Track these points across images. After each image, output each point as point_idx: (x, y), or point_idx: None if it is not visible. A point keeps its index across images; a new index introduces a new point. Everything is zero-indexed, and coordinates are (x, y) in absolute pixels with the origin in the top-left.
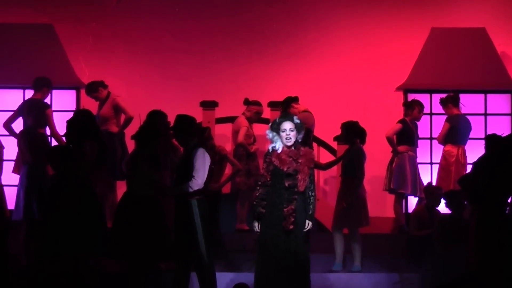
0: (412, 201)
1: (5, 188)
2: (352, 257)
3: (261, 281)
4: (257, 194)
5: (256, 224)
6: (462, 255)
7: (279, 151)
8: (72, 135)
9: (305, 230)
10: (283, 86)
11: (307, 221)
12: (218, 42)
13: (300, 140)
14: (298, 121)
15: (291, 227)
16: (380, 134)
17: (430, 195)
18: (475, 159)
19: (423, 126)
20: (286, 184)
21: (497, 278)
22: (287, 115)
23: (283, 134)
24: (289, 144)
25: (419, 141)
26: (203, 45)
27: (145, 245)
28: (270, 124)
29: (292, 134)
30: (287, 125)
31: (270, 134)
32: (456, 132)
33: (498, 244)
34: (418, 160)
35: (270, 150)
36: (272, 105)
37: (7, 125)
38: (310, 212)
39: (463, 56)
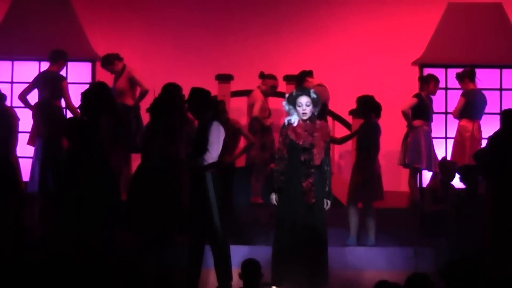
0: (427, 176)
1: (20, 160)
2: (367, 231)
3: (278, 255)
4: (276, 168)
5: (273, 197)
6: (476, 230)
7: (295, 124)
8: (87, 108)
9: (326, 208)
10: (298, 60)
11: (325, 200)
12: (233, 15)
13: (316, 114)
14: (315, 95)
15: (313, 200)
16: (395, 108)
17: (444, 170)
18: (490, 134)
19: (438, 101)
20: (302, 159)
21: (511, 253)
22: (304, 89)
23: (299, 109)
24: (304, 118)
25: (434, 116)
26: (219, 19)
27: (159, 218)
28: (286, 96)
29: (308, 109)
30: (303, 100)
31: (286, 107)
32: (471, 107)
33: None
34: (433, 135)
35: (286, 124)
36: (287, 78)
37: (23, 97)
38: (327, 189)
39: (479, 31)
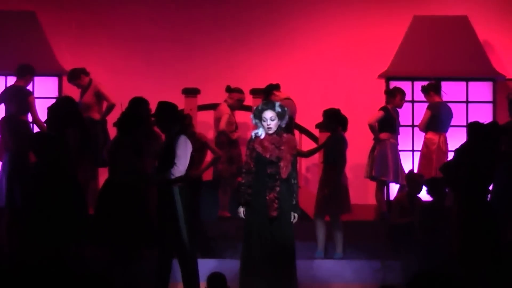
0: (394, 189)
1: None
2: (334, 244)
3: (246, 268)
4: (243, 181)
5: (241, 210)
6: (444, 242)
7: (262, 137)
8: (54, 122)
9: (293, 222)
10: (265, 73)
11: (292, 214)
12: (200, 29)
13: (283, 126)
14: (279, 109)
15: (275, 213)
16: (362, 121)
17: (411, 182)
18: (457, 147)
19: (404, 114)
20: (268, 172)
21: (479, 265)
22: (268, 103)
23: (264, 124)
24: (270, 132)
25: (401, 129)
26: (186, 33)
27: (127, 232)
28: (253, 110)
29: (273, 124)
30: (268, 114)
31: (253, 120)
32: (437, 120)
33: (479, 231)
34: (400, 148)
35: (253, 137)
36: (254, 92)
37: None
38: (294, 202)
39: (445, 44)
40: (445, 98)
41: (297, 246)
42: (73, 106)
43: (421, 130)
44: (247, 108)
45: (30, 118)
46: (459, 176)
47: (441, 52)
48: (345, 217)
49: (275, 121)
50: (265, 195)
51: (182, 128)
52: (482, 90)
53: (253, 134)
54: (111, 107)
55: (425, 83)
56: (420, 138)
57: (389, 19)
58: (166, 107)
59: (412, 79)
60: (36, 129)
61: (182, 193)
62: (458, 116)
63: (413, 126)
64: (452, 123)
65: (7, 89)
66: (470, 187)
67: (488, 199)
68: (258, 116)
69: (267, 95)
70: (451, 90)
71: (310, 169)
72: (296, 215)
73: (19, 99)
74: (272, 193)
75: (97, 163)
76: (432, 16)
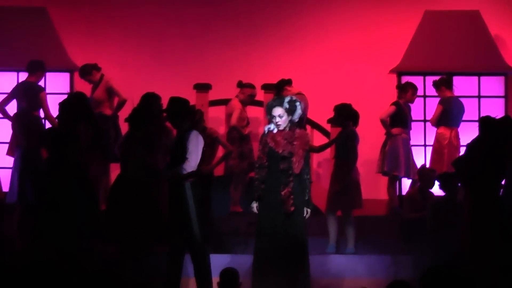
0: (406, 184)
1: None
2: (346, 239)
3: (259, 263)
4: (256, 176)
5: (254, 205)
6: (455, 237)
7: (275, 132)
8: (65, 118)
9: (306, 217)
10: (276, 68)
11: (305, 209)
12: (211, 25)
13: (296, 120)
14: (288, 105)
15: (292, 209)
16: (373, 116)
17: (423, 177)
18: (469, 142)
19: (416, 109)
20: (281, 167)
21: (490, 260)
22: (277, 100)
23: (273, 120)
24: (280, 129)
25: (413, 124)
26: (197, 29)
27: (138, 227)
28: (264, 105)
29: (282, 120)
30: (276, 111)
31: (267, 116)
32: (449, 115)
33: (491, 226)
34: (412, 143)
35: (266, 131)
36: (266, 87)
37: (1, 107)
38: (307, 198)
39: (457, 39)
40: (456, 92)
41: (309, 241)
42: (84, 102)
43: (432, 125)
44: (259, 104)
45: (42, 114)
46: (471, 171)
47: (453, 47)
48: (357, 212)
49: (284, 118)
50: (278, 190)
51: (194, 123)
52: (494, 84)
53: (266, 128)
54: (122, 103)
55: (437, 78)
56: (432, 133)
57: (400, 14)
58: (177, 102)
59: (424, 74)
60: (48, 125)
61: (194, 188)
62: (470, 111)
63: (425, 121)
64: (464, 118)
65: (19, 85)
66: (482, 182)
67: (500, 194)
68: (269, 112)
69: (279, 90)
70: (462, 85)
71: (321, 164)
72: (308, 210)
73: (31, 95)
74: (287, 188)
75: (109, 158)
76: (443, 11)
